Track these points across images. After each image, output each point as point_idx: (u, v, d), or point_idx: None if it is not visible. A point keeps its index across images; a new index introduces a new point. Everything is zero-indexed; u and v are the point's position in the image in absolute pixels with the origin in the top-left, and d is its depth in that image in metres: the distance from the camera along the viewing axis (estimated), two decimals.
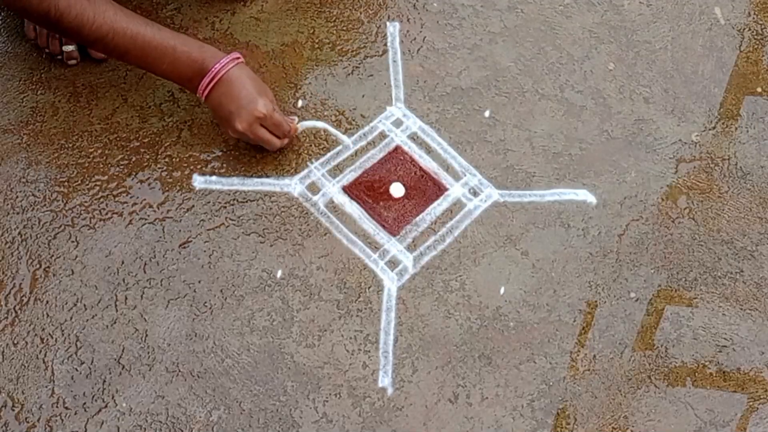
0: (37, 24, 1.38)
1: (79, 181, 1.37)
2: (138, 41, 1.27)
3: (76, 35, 1.26)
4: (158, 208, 1.35)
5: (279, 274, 1.31)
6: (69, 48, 1.43)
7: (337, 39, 1.53)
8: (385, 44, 1.53)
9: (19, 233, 1.32)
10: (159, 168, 1.38)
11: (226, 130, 1.35)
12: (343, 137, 1.42)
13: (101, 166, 1.38)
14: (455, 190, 1.40)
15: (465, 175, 1.41)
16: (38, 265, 1.30)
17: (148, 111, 1.43)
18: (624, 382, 1.28)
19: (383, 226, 1.36)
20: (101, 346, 1.25)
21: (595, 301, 1.33)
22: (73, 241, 1.32)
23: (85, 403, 1.21)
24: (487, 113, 1.47)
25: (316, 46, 1.51)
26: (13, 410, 1.20)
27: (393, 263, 1.33)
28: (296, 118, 1.41)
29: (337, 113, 1.45)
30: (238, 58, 1.32)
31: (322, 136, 1.43)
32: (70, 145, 1.39)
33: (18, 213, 1.34)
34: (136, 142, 1.40)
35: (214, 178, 1.38)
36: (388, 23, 1.55)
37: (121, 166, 1.38)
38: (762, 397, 1.29)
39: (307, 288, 1.31)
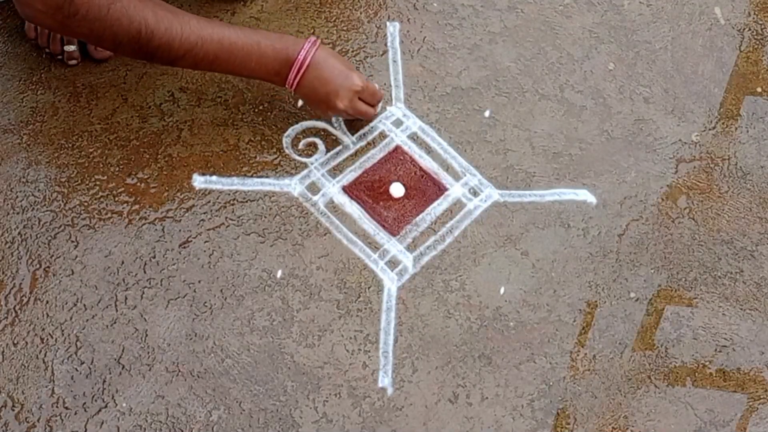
0: (125, 53, 1.27)
1: (79, 181, 1.37)
2: (225, 44, 1.27)
3: (167, 51, 1.23)
4: (158, 208, 1.35)
5: (279, 274, 1.31)
6: (70, 48, 1.43)
7: (337, 39, 1.53)
8: (385, 44, 1.53)
9: (19, 233, 1.32)
10: (159, 168, 1.38)
11: (324, 112, 1.38)
12: (344, 137, 1.42)
13: (101, 166, 1.38)
14: (455, 190, 1.40)
15: (465, 175, 1.41)
16: (38, 265, 1.30)
17: (148, 111, 1.43)
18: (624, 382, 1.28)
19: (383, 226, 1.36)
20: (101, 346, 1.25)
21: (595, 301, 1.33)
22: (73, 241, 1.32)
23: (85, 403, 1.21)
24: (487, 113, 1.47)
25: None
26: (13, 410, 1.20)
27: (393, 263, 1.33)
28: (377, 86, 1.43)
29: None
30: (316, 41, 1.33)
31: (322, 136, 1.43)
32: (70, 145, 1.39)
33: (18, 213, 1.34)
34: (136, 142, 1.40)
35: (214, 178, 1.38)
36: (388, 23, 1.55)
37: (121, 166, 1.38)
38: (762, 397, 1.29)
39: (307, 288, 1.31)
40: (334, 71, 1.33)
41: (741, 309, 1.34)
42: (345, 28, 1.54)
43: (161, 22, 1.21)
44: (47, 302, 1.27)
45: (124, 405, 1.21)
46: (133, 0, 1.19)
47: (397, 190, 1.39)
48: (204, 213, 1.35)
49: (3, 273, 1.29)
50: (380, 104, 1.44)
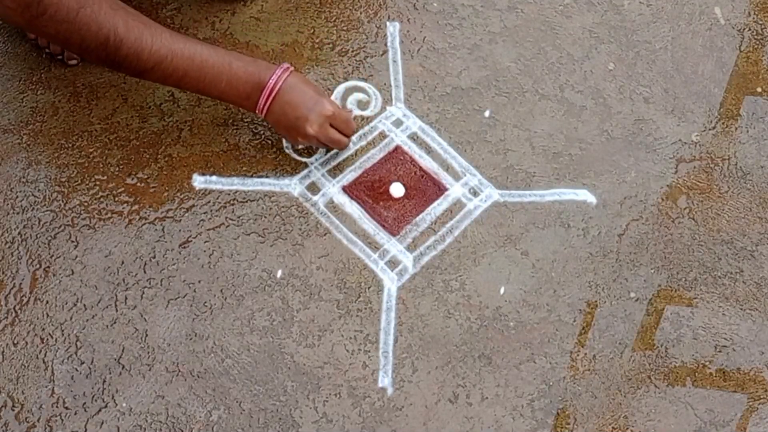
0: (93, 59, 1.28)
1: (79, 181, 1.37)
2: (196, 61, 1.25)
3: (135, 61, 1.21)
4: (158, 208, 1.35)
5: (279, 274, 1.31)
6: None
7: (337, 39, 1.53)
8: (385, 44, 1.53)
9: (19, 233, 1.32)
10: (159, 168, 1.38)
11: (294, 138, 1.34)
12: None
13: (101, 165, 1.38)
14: (455, 190, 1.40)
15: (465, 175, 1.41)
16: (38, 265, 1.30)
17: (148, 111, 1.43)
18: (624, 382, 1.28)
19: (383, 226, 1.36)
20: (101, 346, 1.25)
21: (595, 301, 1.33)
22: (73, 241, 1.32)
23: (85, 403, 1.21)
24: (487, 113, 1.47)
25: (316, 46, 1.51)
26: (13, 410, 1.20)
27: (393, 263, 1.33)
28: (353, 110, 1.42)
29: None
30: (289, 67, 1.31)
31: None
32: (70, 145, 1.39)
33: (18, 213, 1.34)
34: (136, 142, 1.40)
35: (214, 178, 1.38)
36: (388, 23, 1.55)
37: (121, 166, 1.38)
38: (762, 397, 1.29)
39: (307, 288, 1.31)
40: (305, 96, 1.30)
41: (741, 309, 1.34)
42: (345, 28, 1.54)
43: (131, 32, 1.20)
44: (47, 302, 1.27)
45: (124, 405, 1.21)
46: (104, 6, 1.18)
47: (397, 190, 1.39)
48: (204, 213, 1.35)
49: (3, 273, 1.29)
50: (354, 135, 1.41)
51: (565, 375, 1.27)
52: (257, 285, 1.31)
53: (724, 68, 1.56)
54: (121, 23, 1.19)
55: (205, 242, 1.33)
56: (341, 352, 1.27)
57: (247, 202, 1.37)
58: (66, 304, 1.27)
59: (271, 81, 1.28)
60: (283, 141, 1.41)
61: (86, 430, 1.20)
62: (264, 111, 1.31)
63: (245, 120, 1.43)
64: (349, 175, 1.40)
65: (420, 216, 1.37)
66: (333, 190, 1.38)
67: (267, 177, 1.39)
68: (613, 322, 1.32)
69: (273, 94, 1.29)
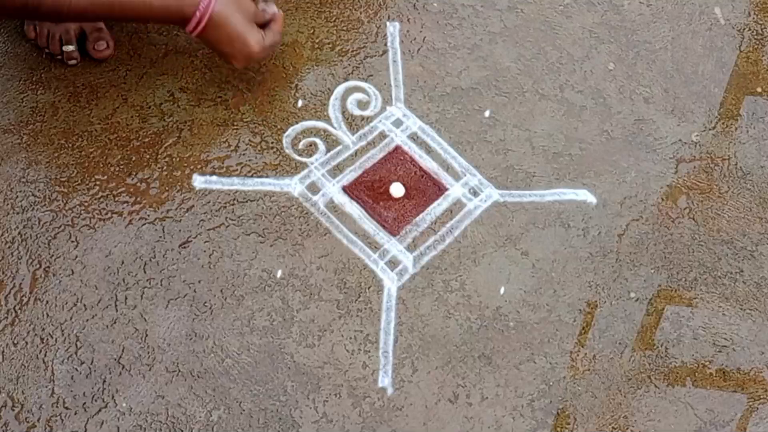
0: (15, 17, 1.36)
1: (79, 181, 1.37)
2: (116, 8, 1.26)
3: (56, 18, 1.27)
4: (158, 208, 1.35)
5: (279, 274, 1.31)
6: (69, 48, 1.43)
7: (337, 39, 1.53)
8: (385, 44, 1.53)
9: (19, 233, 1.32)
10: (159, 168, 1.38)
11: (240, 52, 1.35)
12: (344, 137, 1.42)
13: (101, 166, 1.38)
14: (455, 190, 1.40)
15: (465, 175, 1.41)
16: (38, 265, 1.30)
17: (148, 111, 1.43)
18: (624, 382, 1.28)
19: (383, 226, 1.36)
20: (101, 346, 1.25)
21: (595, 301, 1.33)
22: (73, 241, 1.32)
23: (85, 403, 1.21)
24: (487, 113, 1.47)
25: (316, 46, 1.51)
26: (13, 410, 1.20)
27: (393, 263, 1.33)
28: (273, 4, 1.40)
29: (337, 113, 1.45)
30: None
31: (322, 136, 1.43)
32: (70, 145, 1.39)
33: (18, 213, 1.34)
34: (136, 142, 1.40)
35: (214, 178, 1.38)
36: (388, 23, 1.55)
37: (121, 166, 1.38)
38: (762, 397, 1.29)
39: (307, 288, 1.31)
40: (232, 32, 1.30)
41: (741, 309, 1.34)
42: (345, 28, 1.54)
43: None
44: (47, 302, 1.27)
45: (124, 405, 1.21)
46: None
47: (397, 190, 1.39)
48: (204, 213, 1.35)
49: (3, 273, 1.29)
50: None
51: (565, 375, 1.27)
52: (257, 285, 1.31)
53: (724, 68, 1.56)
54: None
55: (205, 242, 1.33)
56: (341, 352, 1.27)
57: (247, 202, 1.37)
58: (66, 304, 1.27)
59: (195, 16, 1.28)
60: (283, 141, 1.41)
61: (86, 430, 1.20)
62: (196, 39, 1.33)
63: (245, 120, 1.43)
64: (349, 175, 1.40)
65: (420, 216, 1.37)
66: (333, 190, 1.38)
67: (267, 177, 1.39)
68: (613, 322, 1.32)
69: (199, 29, 1.30)
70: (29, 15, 1.27)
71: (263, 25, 1.36)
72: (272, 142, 1.42)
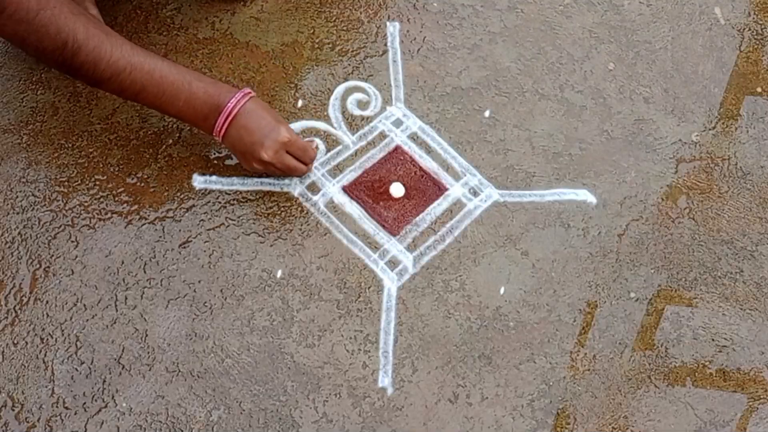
0: (49, 63, 1.27)
1: (79, 181, 1.37)
2: (155, 76, 1.23)
3: (92, 69, 1.20)
4: (158, 208, 1.35)
5: (279, 274, 1.31)
6: None
7: (337, 39, 1.53)
8: (385, 44, 1.53)
9: (19, 233, 1.32)
10: (159, 168, 1.38)
11: (249, 164, 1.32)
12: (344, 137, 1.42)
13: (101, 165, 1.38)
14: (455, 190, 1.40)
15: (465, 175, 1.41)
16: (38, 265, 1.30)
17: (148, 111, 1.43)
18: (624, 382, 1.28)
19: (383, 226, 1.36)
20: (101, 346, 1.25)
21: (595, 301, 1.33)
22: (73, 241, 1.32)
23: (85, 403, 1.21)
24: (487, 113, 1.47)
25: (316, 46, 1.51)
26: (13, 410, 1.20)
27: (393, 263, 1.33)
28: (315, 141, 1.41)
29: (338, 113, 1.45)
30: (250, 92, 1.29)
31: (321, 136, 1.43)
32: (70, 145, 1.39)
33: (18, 213, 1.34)
34: (136, 142, 1.40)
35: (214, 178, 1.38)
36: (388, 23, 1.55)
37: (121, 166, 1.38)
38: (762, 397, 1.29)
39: (307, 288, 1.31)
40: (262, 122, 1.28)
41: (741, 309, 1.34)
42: (345, 28, 1.54)
43: (91, 39, 1.19)
44: (47, 302, 1.27)
45: (124, 405, 1.21)
46: (64, 10, 1.17)
47: (397, 190, 1.39)
48: (204, 213, 1.35)
49: (3, 273, 1.29)
50: (315, 162, 1.38)
51: (565, 375, 1.27)
52: (257, 285, 1.31)
53: (724, 68, 1.56)
54: (82, 29, 1.18)
55: (205, 242, 1.33)
56: (341, 352, 1.27)
57: (247, 202, 1.37)
58: (66, 304, 1.27)
59: (230, 104, 1.27)
60: None
61: (86, 430, 1.20)
62: (221, 134, 1.29)
63: None
64: (349, 175, 1.40)
65: (420, 216, 1.37)
66: (333, 190, 1.38)
67: (267, 177, 1.38)
68: (613, 322, 1.32)
69: (230, 118, 1.27)
70: (66, 61, 1.19)
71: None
72: None
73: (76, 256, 1.31)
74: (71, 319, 1.26)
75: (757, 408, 1.28)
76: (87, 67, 1.20)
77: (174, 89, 1.25)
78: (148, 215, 1.35)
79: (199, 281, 1.30)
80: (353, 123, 1.44)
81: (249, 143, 1.29)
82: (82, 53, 1.19)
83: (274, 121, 1.29)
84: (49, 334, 1.25)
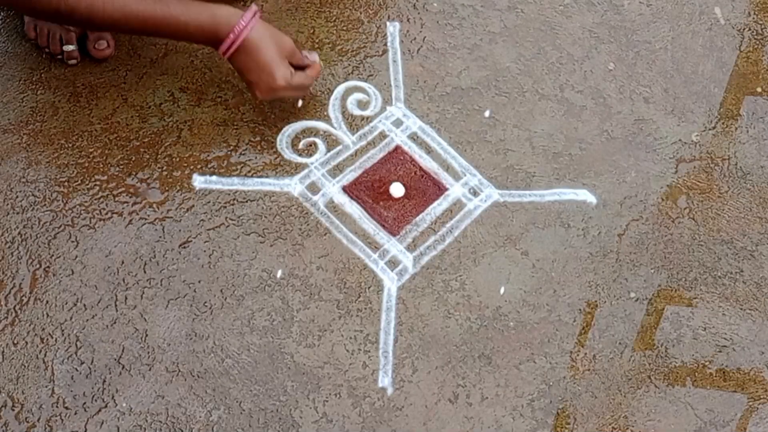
0: (47, 20, 1.37)
1: (79, 181, 1.37)
2: (149, 24, 1.26)
3: (88, 25, 1.27)
4: (158, 208, 1.35)
5: (279, 274, 1.31)
6: (69, 48, 1.43)
7: (337, 39, 1.53)
8: (385, 44, 1.53)
9: (19, 233, 1.32)
10: (159, 168, 1.38)
11: (265, 82, 1.34)
12: (343, 137, 1.42)
13: (101, 166, 1.38)
14: (455, 190, 1.40)
15: (465, 175, 1.41)
16: (38, 265, 1.30)
17: (148, 111, 1.43)
18: (624, 382, 1.28)
19: (383, 226, 1.36)
20: (101, 346, 1.25)
21: (595, 301, 1.33)
22: (73, 241, 1.32)
23: (85, 403, 1.21)
24: (487, 113, 1.47)
25: (316, 46, 1.51)
26: (13, 410, 1.20)
27: (393, 263, 1.33)
28: (316, 55, 1.41)
29: (338, 113, 1.45)
30: (255, 14, 1.30)
31: (322, 136, 1.43)
32: (70, 145, 1.39)
33: (18, 213, 1.34)
34: (136, 142, 1.40)
35: (214, 178, 1.38)
36: (388, 23, 1.55)
37: (121, 166, 1.38)
38: (762, 397, 1.29)
39: (307, 288, 1.31)
40: (260, 60, 1.30)
41: (741, 309, 1.34)
42: (345, 28, 1.54)
43: (82, 1, 1.21)
44: (47, 302, 1.27)
45: (124, 405, 1.21)
46: None
47: (397, 190, 1.39)
48: (204, 213, 1.35)
49: (3, 273, 1.29)
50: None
51: (565, 375, 1.27)
52: (257, 285, 1.31)
53: (724, 68, 1.56)
54: None
55: (205, 242, 1.33)
56: (341, 352, 1.27)
57: (247, 202, 1.37)
58: (66, 304, 1.27)
59: (228, 38, 1.29)
60: (284, 141, 1.41)
61: (86, 430, 1.20)
62: (228, 61, 1.32)
63: (245, 120, 1.43)
64: (349, 175, 1.40)
65: (420, 216, 1.37)
66: (333, 190, 1.38)
67: (267, 177, 1.39)
68: (613, 322, 1.32)
69: (231, 50, 1.30)
70: (62, 19, 1.25)
71: (299, 68, 1.36)
72: (272, 142, 1.42)
73: (76, 256, 1.31)
74: (71, 319, 1.26)
75: (757, 408, 1.28)
76: (83, 23, 1.28)
77: (170, 31, 1.29)
78: (148, 215, 1.35)
79: (199, 281, 1.30)
80: (353, 123, 1.44)
81: (247, 80, 1.33)
82: (77, 13, 1.21)
83: (271, 62, 1.31)
84: (49, 334, 1.25)
